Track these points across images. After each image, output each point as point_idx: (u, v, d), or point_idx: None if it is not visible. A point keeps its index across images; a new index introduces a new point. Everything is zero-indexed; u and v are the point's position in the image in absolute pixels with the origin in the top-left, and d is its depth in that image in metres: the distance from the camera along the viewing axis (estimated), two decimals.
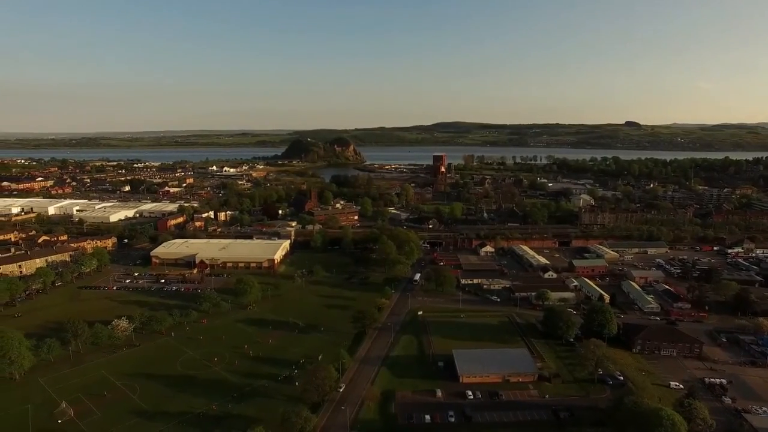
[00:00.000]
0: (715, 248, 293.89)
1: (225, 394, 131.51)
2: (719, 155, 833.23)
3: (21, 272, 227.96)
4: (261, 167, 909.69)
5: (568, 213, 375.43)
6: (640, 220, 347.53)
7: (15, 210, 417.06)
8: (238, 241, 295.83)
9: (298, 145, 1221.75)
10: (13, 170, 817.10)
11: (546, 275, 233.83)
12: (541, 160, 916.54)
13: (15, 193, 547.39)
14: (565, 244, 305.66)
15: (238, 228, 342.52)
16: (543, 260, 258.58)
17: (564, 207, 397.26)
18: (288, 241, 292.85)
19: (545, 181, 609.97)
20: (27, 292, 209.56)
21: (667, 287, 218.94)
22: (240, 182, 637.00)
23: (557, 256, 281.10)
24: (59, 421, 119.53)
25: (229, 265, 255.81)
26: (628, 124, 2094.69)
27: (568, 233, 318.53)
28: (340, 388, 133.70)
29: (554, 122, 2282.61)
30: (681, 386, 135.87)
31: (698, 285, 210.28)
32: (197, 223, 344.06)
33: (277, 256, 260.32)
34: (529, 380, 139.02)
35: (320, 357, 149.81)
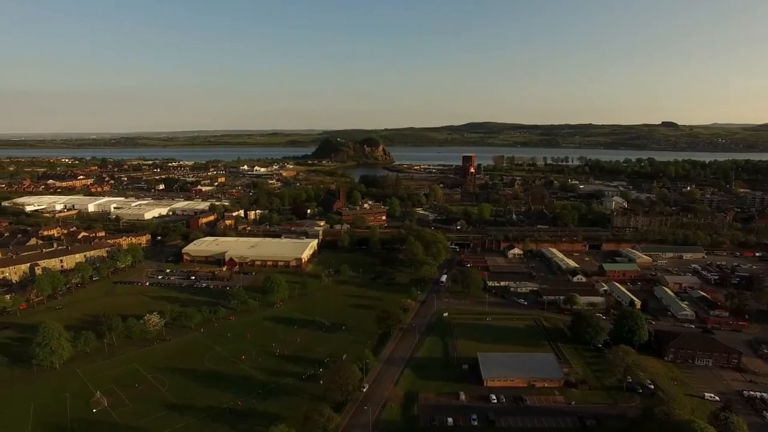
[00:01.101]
0: (757, 254, 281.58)
1: (250, 391, 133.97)
2: (764, 156, 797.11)
3: (62, 266, 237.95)
4: (291, 167, 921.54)
5: (600, 216, 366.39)
6: (675, 223, 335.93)
7: (58, 207, 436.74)
8: (267, 239, 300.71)
9: (327, 145, 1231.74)
10: (58, 169, 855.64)
11: (575, 279, 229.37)
12: (572, 161, 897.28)
13: (59, 190, 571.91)
14: (596, 248, 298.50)
15: (267, 227, 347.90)
16: (572, 263, 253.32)
17: (595, 209, 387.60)
18: (316, 241, 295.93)
19: (576, 182, 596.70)
20: (67, 286, 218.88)
21: (703, 294, 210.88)
22: (270, 181, 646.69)
23: (587, 259, 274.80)
24: (94, 410, 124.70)
25: (257, 263, 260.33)
26: (665, 124, 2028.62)
27: (598, 236, 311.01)
28: (364, 388, 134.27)
29: (587, 122, 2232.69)
30: (717, 398, 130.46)
31: (738, 292, 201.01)
32: (227, 222, 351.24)
33: (305, 256, 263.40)
34: (555, 386, 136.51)
35: (345, 356, 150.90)
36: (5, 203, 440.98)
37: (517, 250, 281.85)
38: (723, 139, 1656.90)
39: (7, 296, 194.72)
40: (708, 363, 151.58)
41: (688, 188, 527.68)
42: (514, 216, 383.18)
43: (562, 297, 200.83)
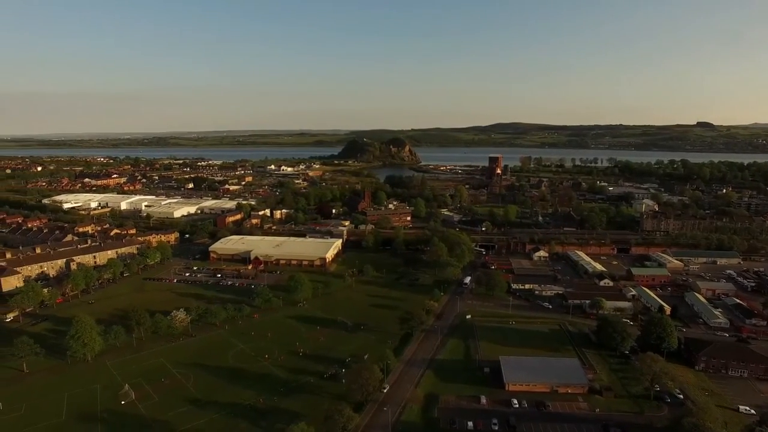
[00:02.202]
0: None
1: (272, 388, 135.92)
2: None
3: (95, 262, 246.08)
4: (317, 167, 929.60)
5: (629, 218, 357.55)
6: (709, 227, 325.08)
7: (93, 205, 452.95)
8: (292, 239, 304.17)
9: (354, 145, 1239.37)
10: (94, 168, 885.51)
11: (602, 283, 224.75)
12: (601, 162, 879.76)
13: (94, 188, 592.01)
14: (624, 251, 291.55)
15: (293, 226, 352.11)
16: (599, 267, 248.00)
17: (624, 212, 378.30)
18: (340, 241, 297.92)
19: (605, 184, 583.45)
20: (100, 282, 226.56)
21: (738, 301, 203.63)
22: (296, 181, 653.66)
23: (615, 263, 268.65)
24: (122, 402, 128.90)
25: (282, 262, 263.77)
26: (700, 124, 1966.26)
27: (627, 240, 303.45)
28: (385, 388, 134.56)
29: (617, 123, 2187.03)
30: (752, 411, 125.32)
31: None
32: (254, 221, 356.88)
33: (329, 255, 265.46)
34: (579, 392, 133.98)
35: (366, 356, 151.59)
36: (45, 201, 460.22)
37: (542, 253, 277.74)
38: (763, 140, 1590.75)
39: (45, 290, 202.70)
40: (743, 374, 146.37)
41: (724, 191, 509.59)
42: (540, 218, 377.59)
43: (588, 301, 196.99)
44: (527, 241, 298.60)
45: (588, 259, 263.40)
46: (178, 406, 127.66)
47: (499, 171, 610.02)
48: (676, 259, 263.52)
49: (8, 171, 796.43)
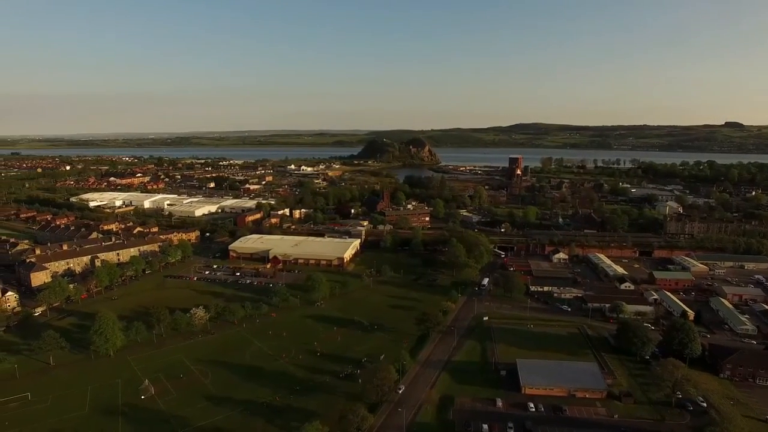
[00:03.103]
0: None
1: (288, 387, 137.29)
2: None
3: (119, 259, 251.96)
4: (337, 167, 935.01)
5: (652, 221, 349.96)
6: (736, 231, 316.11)
7: (118, 203, 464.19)
8: (311, 238, 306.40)
9: (373, 145, 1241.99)
10: (119, 167, 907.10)
11: (622, 286, 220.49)
12: (624, 163, 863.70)
13: (119, 187, 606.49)
14: (647, 254, 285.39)
15: (312, 226, 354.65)
16: (620, 270, 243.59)
17: (647, 214, 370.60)
18: (358, 241, 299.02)
19: (628, 186, 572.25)
20: (123, 278, 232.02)
21: (767, 307, 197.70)
22: (316, 181, 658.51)
23: (636, 266, 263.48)
24: (142, 397, 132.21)
25: (300, 261, 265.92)
26: (729, 124, 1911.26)
27: (650, 242, 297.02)
28: (400, 389, 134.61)
29: (641, 123, 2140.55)
30: None
31: None
32: (273, 220, 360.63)
33: (347, 255, 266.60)
34: (598, 397, 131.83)
35: (382, 357, 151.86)
36: (73, 199, 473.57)
37: (562, 255, 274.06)
38: None
39: (71, 285, 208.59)
40: None
41: (753, 193, 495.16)
42: (560, 220, 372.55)
43: (608, 305, 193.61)
44: (547, 242, 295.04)
45: (609, 261, 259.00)
46: (196, 402, 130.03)
47: (519, 172, 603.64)
48: (701, 263, 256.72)
49: (39, 170, 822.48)
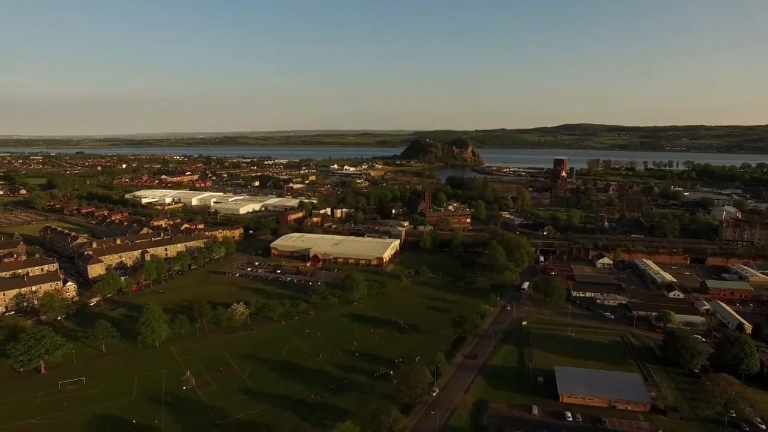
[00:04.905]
0: None
1: (323, 385, 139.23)
2: None
3: (167, 255, 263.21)
4: (379, 167, 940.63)
5: (706, 226, 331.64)
6: None
7: (168, 200, 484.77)
8: (351, 238, 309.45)
9: (416, 145, 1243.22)
10: (170, 165, 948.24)
11: (671, 294, 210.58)
12: (677, 165, 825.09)
13: (169, 185, 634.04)
14: (699, 262, 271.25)
15: (352, 225, 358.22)
16: (669, 277, 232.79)
17: (701, 219, 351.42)
18: (398, 241, 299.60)
19: (680, 189, 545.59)
20: (169, 273, 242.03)
21: None
22: (358, 181, 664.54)
23: (687, 274, 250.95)
24: (184, 388, 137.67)
25: (340, 260, 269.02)
26: None
27: (703, 249, 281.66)
28: (434, 392, 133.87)
29: (697, 123, 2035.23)
30: None
31: None
32: (314, 219, 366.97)
33: (386, 255, 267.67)
34: (640, 410, 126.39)
35: (417, 358, 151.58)
36: (127, 196, 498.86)
37: (606, 260, 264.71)
38: None
39: (123, 278, 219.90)
40: None
41: None
42: (605, 223, 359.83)
43: (654, 313, 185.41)
44: (591, 247, 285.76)
45: (656, 268, 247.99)
46: (234, 395, 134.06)
47: (564, 174, 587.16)
48: (761, 273, 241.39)
49: (99, 168, 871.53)
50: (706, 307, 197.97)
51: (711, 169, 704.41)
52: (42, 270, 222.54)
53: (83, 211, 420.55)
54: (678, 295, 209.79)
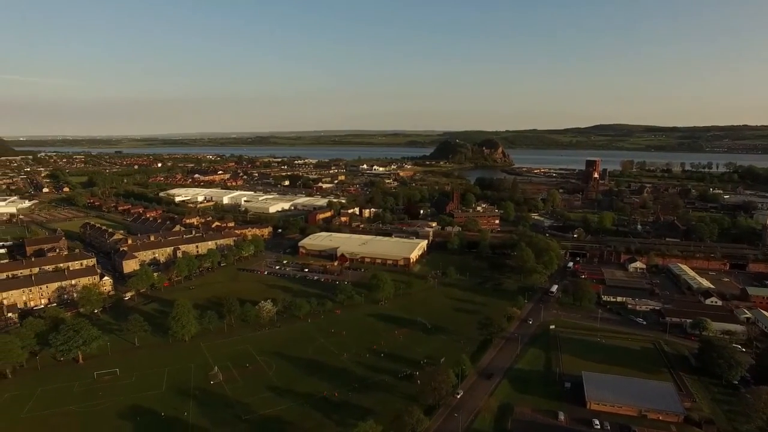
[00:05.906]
0: None
1: (347, 384, 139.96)
2: None
3: (197, 252, 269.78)
4: (409, 167, 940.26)
5: (748, 231, 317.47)
6: None
7: (200, 198, 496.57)
8: (378, 237, 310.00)
9: (446, 146, 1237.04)
10: (203, 164, 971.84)
11: (708, 301, 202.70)
12: (717, 167, 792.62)
13: (202, 183, 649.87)
14: (739, 268, 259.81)
15: (380, 225, 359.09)
16: (706, 283, 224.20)
17: (742, 224, 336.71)
18: (426, 241, 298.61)
19: (720, 192, 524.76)
20: (200, 269, 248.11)
21: None
22: (387, 181, 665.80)
23: (726, 280, 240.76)
24: (212, 382, 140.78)
25: (367, 260, 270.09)
26: None
27: (744, 254, 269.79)
28: (458, 394, 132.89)
29: (740, 123, 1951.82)
30: None
31: None
32: (343, 218, 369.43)
33: (413, 255, 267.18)
34: (673, 420, 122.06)
35: (442, 360, 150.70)
36: (161, 194, 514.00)
37: (639, 264, 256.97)
38: None
39: (155, 274, 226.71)
40: None
41: None
42: (639, 226, 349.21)
43: (689, 320, 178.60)
44: (623, 250, 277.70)
45: (692, 273, 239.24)
46: (259, 391, 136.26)
47: (596, 175, 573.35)
48: None
49: (135, 167, 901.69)
50: (747, 315, 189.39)
51: (755, 171, 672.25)
52: (81, 264, 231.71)
53: (120, 208, 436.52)
54: (715, 302, 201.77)
